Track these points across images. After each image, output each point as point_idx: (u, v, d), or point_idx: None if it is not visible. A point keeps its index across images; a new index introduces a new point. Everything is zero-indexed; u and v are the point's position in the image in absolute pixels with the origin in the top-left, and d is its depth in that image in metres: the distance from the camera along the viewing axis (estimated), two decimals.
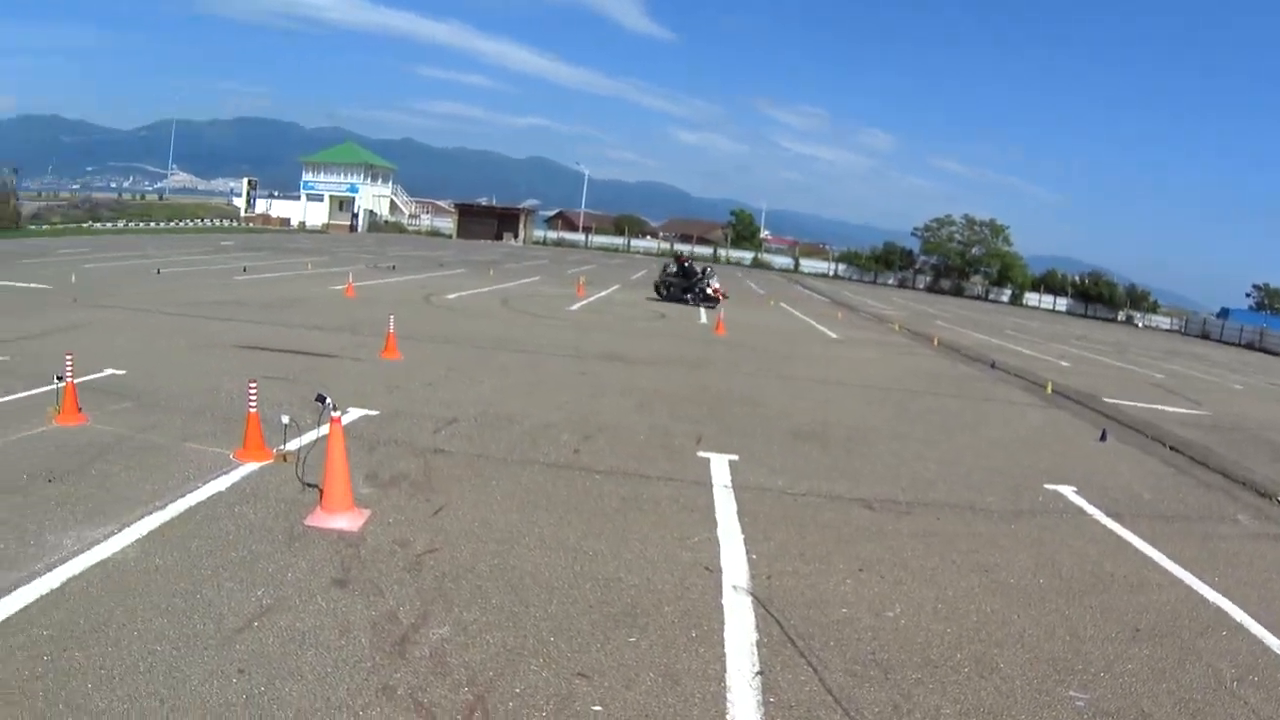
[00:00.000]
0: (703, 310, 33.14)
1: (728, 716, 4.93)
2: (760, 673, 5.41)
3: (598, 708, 4.93)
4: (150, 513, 7.41)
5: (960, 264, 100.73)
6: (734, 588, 6.74)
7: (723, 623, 6.11)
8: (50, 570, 6.17)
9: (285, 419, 9.00)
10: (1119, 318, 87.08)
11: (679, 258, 39.31)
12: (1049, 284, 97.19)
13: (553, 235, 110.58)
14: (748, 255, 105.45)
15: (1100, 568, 7.99)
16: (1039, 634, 6.39)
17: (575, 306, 30.05)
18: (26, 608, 5.60)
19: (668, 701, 5.03)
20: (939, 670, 5.65)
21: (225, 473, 8.62)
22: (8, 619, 5.44)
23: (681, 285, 35.90)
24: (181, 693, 4.77)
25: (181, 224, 76.66)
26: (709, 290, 35.29)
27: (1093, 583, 7.57)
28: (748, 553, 7.50)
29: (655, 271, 64.79)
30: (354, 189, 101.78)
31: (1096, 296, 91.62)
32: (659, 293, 36.74)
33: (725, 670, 5.42)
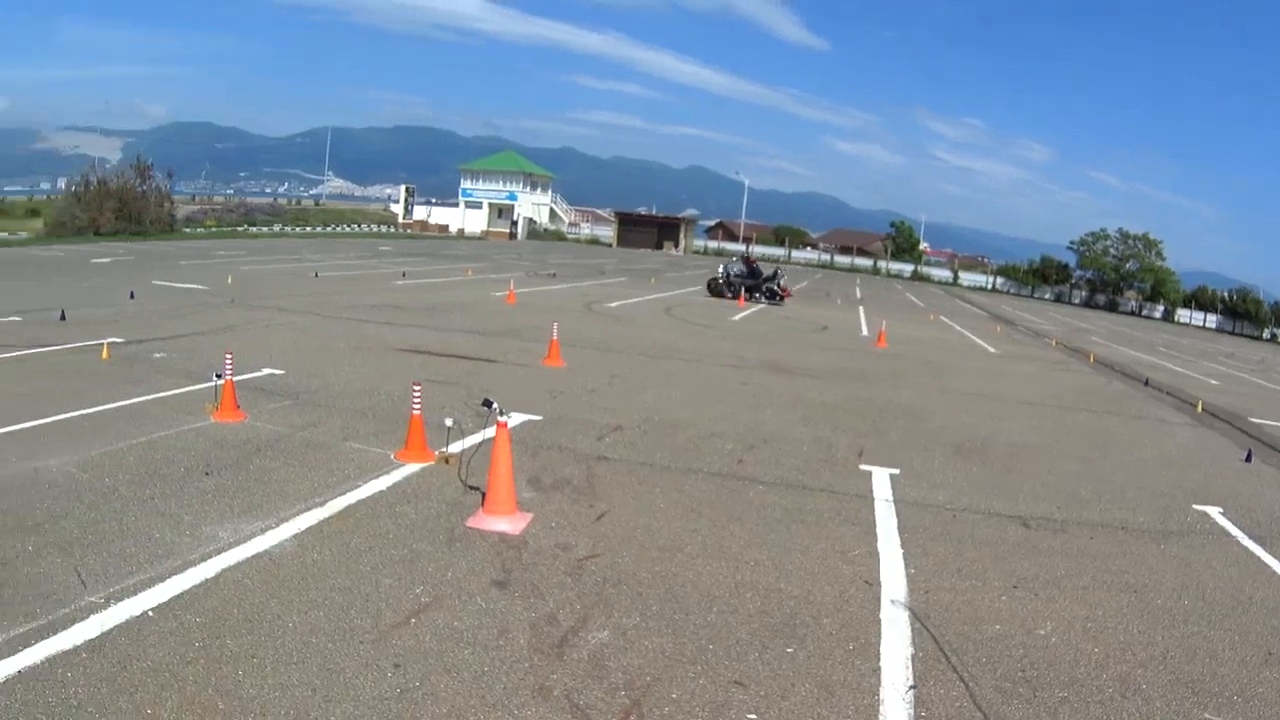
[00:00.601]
0: (864, 322, 32.83)
1: None
2: (914, 686, 5.43)
3: (752, 716, 4.95)
4: (309, 509, 7.69)
5: (1114, 279, 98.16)
6: (892, 602, 6.79)
7: (880, 636, 6.15)
8: (205, 560, 6.44)
9: (449, 422, 9.21)
10: (1264, 335, 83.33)
11: (747, 259, 41.86)
12: (1199, 300, 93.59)
13: (713, 245, 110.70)
14: (907, 268, 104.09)
15: (1240, 590, 7.86)
16: (1180, 655, 6.33)
17: (737, 317, 30.08)
18: (180, 595, 5.86)
19: (821, 712, 5.06)
20: (1084, 689, 5.64)
21: (386, 472, 8.88)
22: (161, 605, 5.70)
23: (747, 284, 38.18)
24: (335, 684, 4.90)
25: (338, 229, 79.61)
26: (776, 288, 38.21)
27: (1233, 605, 7.47)
28: (906, 567, 7.54)
29: (821, 283, 64.57)
30: (513, 196, 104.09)
31: (1244, 313, 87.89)
32: (715, 291, 38.57)
33: (880, 683, 5.45)
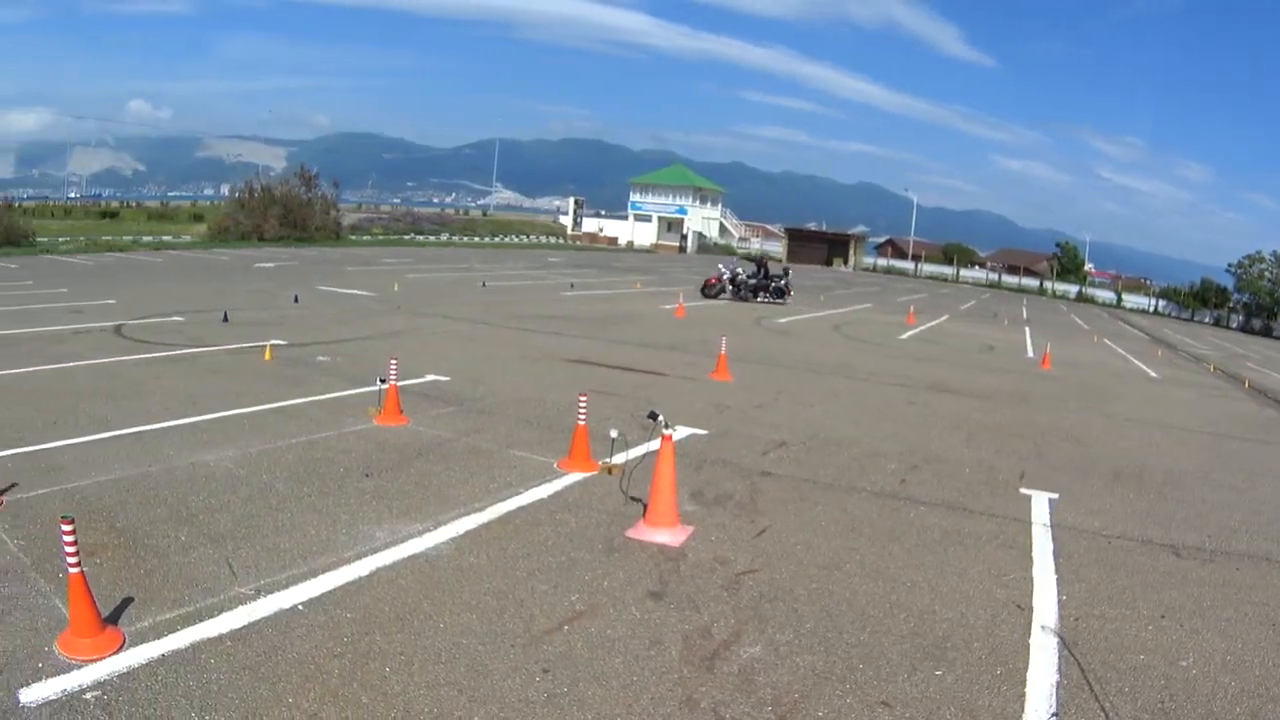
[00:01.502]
0: (1029, 343, 31.96)
1: None
2: (1055, 715, 5.30)
3: None
4: (468, 514, 7.83)
5: (1269, 303, 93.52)
6: (1042, 628, 6.64)
7: (1027, 662, 6.03)
8: (360, 559, 6.60)
9: (614, 433, 9.27)
10: None
11: (761, 261, 42.29)
12: None
13: (882, 262, 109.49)
14: (1072, 288, 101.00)
15: None
16: None
17: (905, 335, 29.68)
18: (333, 591, 6.01)
19: None
20: None
21: (548, 481, 8.98)
22: (312, 599, 5.85)
23: (755, 284, 38.03)
24: (482, 685, 4.94)
25: (506, 239, 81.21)
26: (784, 286, 38.35)
27: None
28: (1059, 593, 7.37)
29: (988, 302, 63.20)
30: (682, 210, 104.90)
31: None
32: (711, 294, 37.82)
33: (1023, 710, 5.34)
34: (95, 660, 4.88)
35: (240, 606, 5.65)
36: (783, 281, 38.37)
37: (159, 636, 5.19)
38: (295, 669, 4.95)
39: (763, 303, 36.99)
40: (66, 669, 4.81)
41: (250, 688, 4.72)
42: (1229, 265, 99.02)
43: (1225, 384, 27.71)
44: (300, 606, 5.73)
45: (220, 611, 5.56)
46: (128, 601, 5.62)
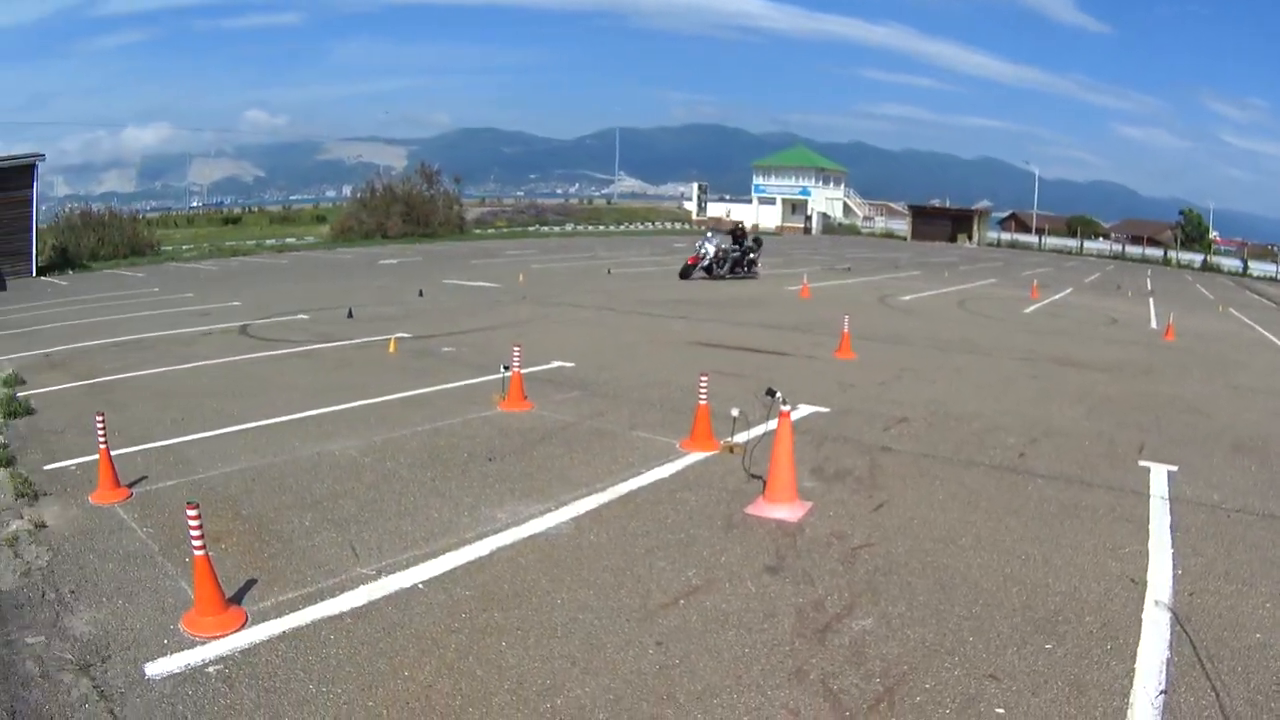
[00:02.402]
0: (1153, 315, 30.84)
1: None
2: (1164, 692, 5.17)
3: (1000, 710, 4.84)
4: (589, 494, 7.94)
5: None
6: (1156, 603, 6.44)
7: (1139, 637, 5.89)
8: (481, 539, 6.76)
9: (735, 412, 9.27)
10: None
11: (736, 230, 35.80)
12: None
13: (1005, 237, 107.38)
14: (1197, 258, 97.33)
15: None
16: None
17: (1030, 309, 29.04)
18: (453, 570, 6.18)
19: (1069, 711, 4.89)
20: None
21: (670, 461, 9.05)
22: (432, 578, 6.02)
23: (738, 260, 33.83)
24: (595, 658, 5.03)
25: (631, 227, 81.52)
26: (752, 257, 34.55)
27: None
28: (1174, 568, 7.15)
29: (1112, 274, 61.43)
30: (805, 191, 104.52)
31: None
32: (687, 274, 32.69)
33: (1132, 686, 5.23)
34: (218, 637, 5.12)
35: (361, 586, 5.84)
36: (752, 255, 34.45)
37: (280, 615, 5.40)
38: (413, 644, 5.11)
39: (734, 278, 33.20)
40: (190, 645, 5.06)
41: (368, 661, 4.89)
42: None
43: None
44: (420, 585, 5.89)
45: (341, 591, 5.76)
46: (251, 583, 5.86)
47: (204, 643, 5.07)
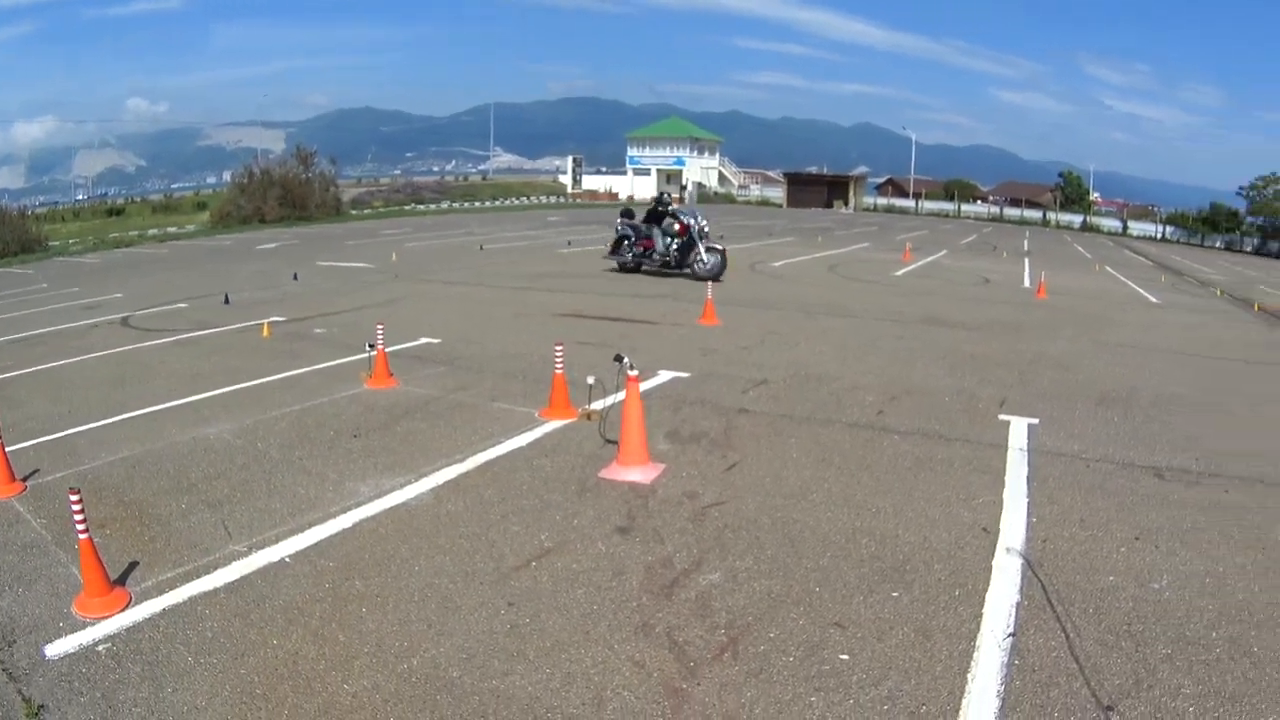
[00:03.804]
0: (1027, 275, 31.51)
1: (969, 674, 4.93)
2: (1012, 634, 5.37)
3: (844, 656, 5.05)
4: (449, 464, 8.16)
5: None
6: (1007, 550, 6.66)
7: (988, 583, 6.09)
8: (345, 512, 6.97)
9: (590, 379, 9.54)
10: None
11: (660, 207, 24.83)
12: None
13: (882, 202, 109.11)
14: (1077, 218, 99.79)
15: None
16: None
17: (901, 272, 29.65)
18: (318, 543, 6.39)
19: (914, 655, 5.09)
20: (1191, 648, 5.35)
21: (529, 430, 9.29)
22: (299, 551, 6.25)
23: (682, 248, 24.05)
24: (450, 620, 5.30)
25: (506, 202, 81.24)
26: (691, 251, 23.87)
27: None
28: (1029, 516, 7.37)
29: (989, 236, 62.57)
30: (680, 162, 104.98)
31: None
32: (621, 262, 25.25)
33: (979, 630, 5.42)
34: (105, 617, 5.33)
35: (234, 563, 6.04)
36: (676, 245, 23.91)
37: (161, 593, 5.61)
38: (280, 614, 5.34)
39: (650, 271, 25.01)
40: (82, 626, 5.25)
41: (240, 632, 5.12)
42: (1240, 189, 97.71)
43: (1234, 308, 27.42)
44: (287, 559, 6.11)
45: (216, 568, 5.96)
46: (134, 565, 6.04)
47: (94, 623, 5.27)
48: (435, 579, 5.83)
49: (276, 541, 6.40)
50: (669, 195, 27.68)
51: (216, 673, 4.74)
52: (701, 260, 23.40)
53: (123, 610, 5.40)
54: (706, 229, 24.12)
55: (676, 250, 23.84)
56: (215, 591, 5.64)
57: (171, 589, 5.67)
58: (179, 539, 6.49)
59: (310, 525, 6.70)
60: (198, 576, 5.84)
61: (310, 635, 5.10)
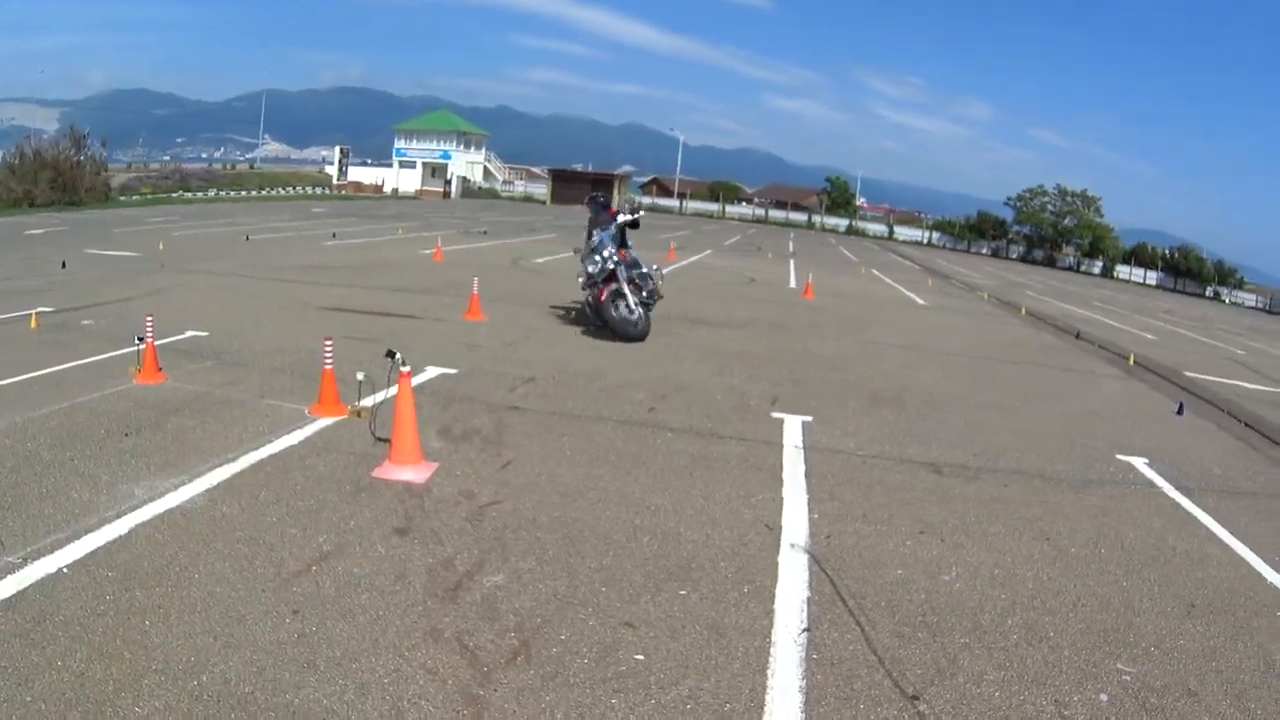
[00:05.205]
0: (793, 276, 32.39)
1: (769, 670, 4.98)
2: (807, 629, 5.45)
3: (640, 656, 5.03)
4: (222, 464, 7.74)
5: (1053, 235, 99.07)
6: (791, 546, 6.76)
7: (776, 579, 6.16)
8: (120, 517, 6.50)
9: (360, 375, 9.24)
10: (1207, 293, 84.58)
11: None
12: (1139, 257, 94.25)
13: (647, 200, 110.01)
14: (843, 222, 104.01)
15: (1163, 541, 7.72)
16: (1094, 605, 6.25)
17: (666, 270, 29.98)
18: (94, 552, 5.92)
19: (710, 654, 5.11)
20: (988, 635, 5.60)
21: (299, 427, 8.94)
22: (76, 561, 5.77)
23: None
24: (236, 631, 5.02)
25: (273, 192, 78.39)
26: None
27: (1154, 556, 7.33)
28: (810, 512, 7.50)
29: (754, 237, 63.99)
30: (446, 155, 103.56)
31: (1185, 271, 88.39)
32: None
33: (772, 626, 5.48)
34: None
35: (9, 576, 5.51)
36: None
37: None
38: (62, 631, 4.91)
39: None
40: None
41: (22, 654, 4.67)
42: (1008, 198, 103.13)
43: (1000, 311, 28.55)
44: (65, 569, 5.64)
45: None
46: None
47: None
48: (216, 587, 5.52)
49: (52, 551, 5.89)
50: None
51: (1, 703, 4.31)
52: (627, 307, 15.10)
53: None
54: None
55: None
56: None
57: None
58: None
59: (86, 532, 6.20)
60: None
61: (96, 653, 4.72)
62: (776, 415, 10.65)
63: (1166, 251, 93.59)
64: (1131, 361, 19.02)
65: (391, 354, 8.44)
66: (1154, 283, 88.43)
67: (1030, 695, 4.94)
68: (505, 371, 12.00)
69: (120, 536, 6.20)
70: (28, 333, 12.99)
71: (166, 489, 7.11)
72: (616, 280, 15.04)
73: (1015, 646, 5.49)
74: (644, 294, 15.24)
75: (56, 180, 54.07)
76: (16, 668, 4.56)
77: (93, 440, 8.25)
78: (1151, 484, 9.54)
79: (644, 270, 15.52)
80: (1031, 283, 51.70)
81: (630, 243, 16.49)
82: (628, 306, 14.94)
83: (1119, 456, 10.46)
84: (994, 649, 5.43)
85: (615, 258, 15.04)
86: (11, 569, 5.63)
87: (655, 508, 7.39)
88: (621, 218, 16.22)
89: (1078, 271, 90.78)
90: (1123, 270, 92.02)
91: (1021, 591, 6.34)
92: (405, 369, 8.01)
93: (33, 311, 14.05)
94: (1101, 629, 5.88)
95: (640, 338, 14.97)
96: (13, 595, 5.30)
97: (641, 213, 18.04)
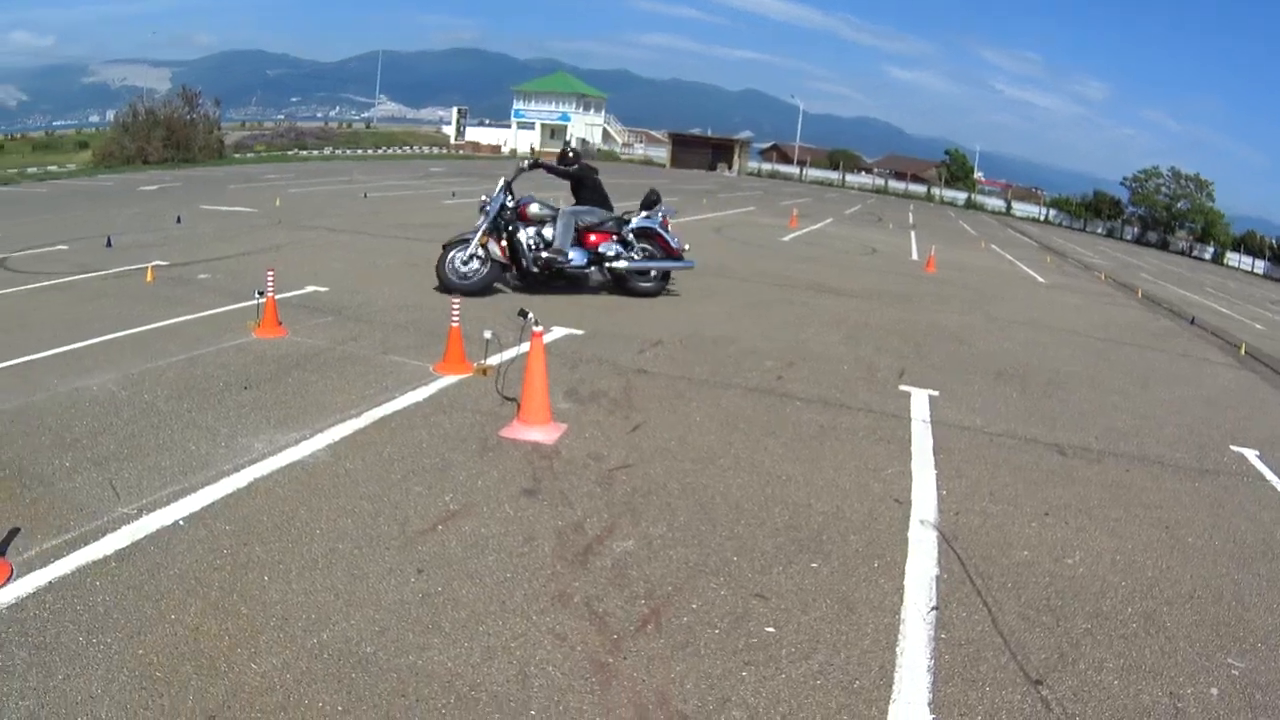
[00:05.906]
0: (914, 247, 31.82)
1: (898, 648, 4.85)
2: (935, 608, 5.33)
3: (770, 629, 4.90)
4: (345, 420, 7.71)
5: (1166, 217, 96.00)
6: (921, 522, 6.65)
7: (906, 555, 6.05)
8: (238, 471, 6.48)
9: (487, 334, 9.18)
10: None
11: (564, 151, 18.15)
12: (1248, 244, 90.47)
13: (767, 167, 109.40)
14: (961, 196, 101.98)
15: (1272, 535, 7.41)
16: (1208, 596, 6.03)
17: (788, 238, 29.70)
18: (212, 504, 5.91)
19: (841, 629, 4.98)
20: (1108, 622, 5.44)
21: (424, 384, 8.88)
22: (193, 514, 5.75)
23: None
24: (358, 589, 4.93)
25: (389, 151, 79.66)
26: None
27: (1264, 550, 7.04)
28: (938, 488, 7.38)
29: (874, 207, 63.13)
30: (565, 117, 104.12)
31: None
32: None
33: (902, 603, 5.37)
34: None
35: (124, 527, 5.51)
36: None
37: (45, 564, 5.02)
38: (177, 584, 4.86)
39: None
40: None
41: (135, 607, 4.63)
42: (1124, 179, 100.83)
43: (1116, 292, 27.96)
44: (181, 522, 5.62)
45: (104, 534, 5.41)
46: (14, 532, 5.40)
47: None
48: (339, 543, 5.44)
49: (168, 503, 5.88)
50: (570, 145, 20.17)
51: (112, 654, 4.24)
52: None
53: (4, 585, 4.81)
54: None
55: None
56: (105, 560, 5.10)
57: (57, 558, 5.10)
58: (63, 501, 5.90)
59: (203, 485, 6.19)
60: (86, 544, 5.28)
61: (211, 608, 4.65)
62: (904, 388, 10.47)
63: (1274, 241, 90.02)
64: (1243, 351, 18.33)
65: (524, 313, 8.37)
66: (1261, 271, 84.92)
67: (1146, 685, 4.80)
68: (632, 334, 11.87)
69: (239, 490, 6.17)
70: (144, 286, 13.24)
71: (287, 443, 7.08)
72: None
73: (1134, 635, 5.35)
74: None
75: (169, 138, 55.83)
76: (129, 620, 4.51)
77: (210, 393, 8.28)
78: (1262, 477, 9.17)
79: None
80: (1145, 265, 50.25)
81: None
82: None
83: (1232, 447, 10.07)
84: (1115, 637, 5.29)
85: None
86: (126, 519, 5.62)
87: (786, 477, 7.26)
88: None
89: (1189, 256, 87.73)
90: (1232, 257, 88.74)
91: (1141, 579, 6.17)
92: (538, 329, 7.88)
93: (148, 265, 14.31)
94: (1215, 621, 5.70)
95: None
96: (127, 546, 5.28)
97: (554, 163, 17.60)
